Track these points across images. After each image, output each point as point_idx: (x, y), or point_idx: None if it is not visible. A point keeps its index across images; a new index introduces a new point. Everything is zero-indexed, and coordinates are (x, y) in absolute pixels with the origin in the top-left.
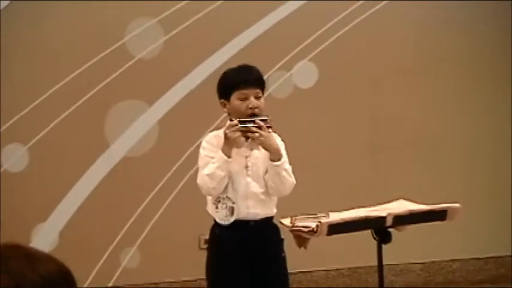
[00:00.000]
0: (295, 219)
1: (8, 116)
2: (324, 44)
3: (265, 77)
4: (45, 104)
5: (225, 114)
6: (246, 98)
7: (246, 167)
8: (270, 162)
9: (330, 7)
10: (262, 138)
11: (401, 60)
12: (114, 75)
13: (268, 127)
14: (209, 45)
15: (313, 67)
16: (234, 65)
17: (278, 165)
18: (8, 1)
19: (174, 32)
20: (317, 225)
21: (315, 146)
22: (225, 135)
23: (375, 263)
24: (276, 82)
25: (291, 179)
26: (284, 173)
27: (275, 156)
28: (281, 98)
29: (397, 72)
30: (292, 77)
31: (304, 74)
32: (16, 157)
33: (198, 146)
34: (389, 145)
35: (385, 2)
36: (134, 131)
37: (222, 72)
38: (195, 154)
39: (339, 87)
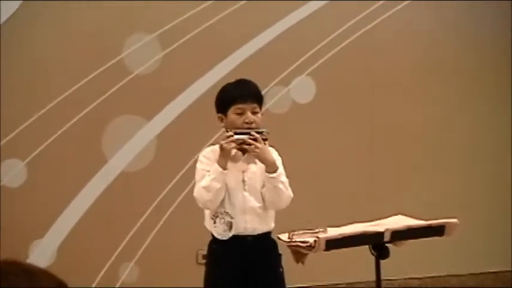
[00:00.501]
0: (293, 235)
1: (6, 131)
2: (322, 59)
3: (263, 92)
4: (43, 119)
5: (223, 129)
6: (242, 113)
7: (243, 181)
8: (266, 175)
9: (327, 23)
10: (257, 150)
11: (399, 75)
12: (112, 91)
13: (264, 139)
14: (207, 61)
15: (311, 82)
16: (231, 81)
17: (274, 178)
18: (8, 14)
19: (172, 47)
20: (315, 241)
21: (314, 161)
22: (220, 146)
23: (372, 278)
24: (274, 97)
25: (288, 192)
26: (281, 186)
27: (271, 168)
28: (279, 113)
29: (395, 86)
30: (290, 92)
31: (302, 89)
32: (14, 172)
33: (196, 161)
34: (388, 158)
35: (383, 17)
36: (132, 146)
37: (220, 87)
38: (193, 169)
39: (337, 102)
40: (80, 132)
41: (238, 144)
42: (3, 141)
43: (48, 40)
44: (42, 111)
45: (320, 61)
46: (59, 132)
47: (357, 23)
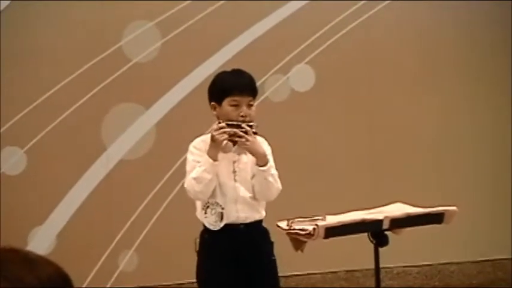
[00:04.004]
0: (292, 222)
1: (5, 119)
2: (321, 47)
3: (262, 80)
4: (42, 107)
5: (215, 118)
6: (238, 105)
7: (234, 171)
8: (257, 167)
9: (327, 10)
10: (248, 143)
11: (399, 63)
12: (111, 79)
13: (254, 133)
14: (206, 48)
15: (310, 70)
16: (231, 69)
17: (264, 170)
18: (7, 2)
19: (171, 35)
20: (314, 228)
21: (313, 149)
22: (212, 137)
23: (371, 266)
24: (273, 85)
25: (277, 185)
26: (270, 178)
27: (261, 161)
28: (278, 102)
29: (395, 74)
30: (289, 81)
31: (301, 77)
32: (13, 160)
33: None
34: (387, 147)
35: (383, 5)
36: (131, 134)
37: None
38: None
39: (336, 90)
40: (79, 120)
41: (229, 136)
42: (3, 129)
43: (48, 28)
44: (41, 98)
45: (319, 49)
46: (58, 120)
47: (357, 10)
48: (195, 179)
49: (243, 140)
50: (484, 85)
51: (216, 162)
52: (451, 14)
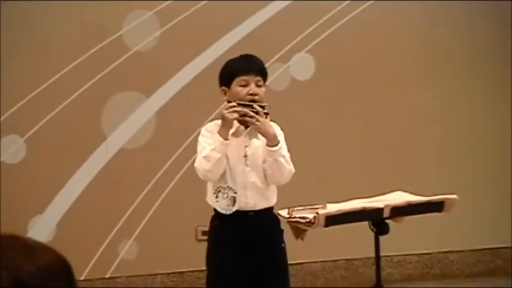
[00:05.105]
0: (293, 211)
1: (5, 108)
2: (321, 36)
3: None
4: (42, 95)
5: (225, 103)
6: (246, 85)
7: (245, 156)
8: (267, 148)
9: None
10: (258, 123)
11: (399, 52)
12: (111, 67)
13: (265, 113)
14: (206, 37)
15: (311, 59)
16: (231, 57)
17: (275, 151)
18: None
19: (171, 24)
20: (314, 217)
21: (313, 137)
22: (222, 116)
23: (372, 254)
24: (273, 74)
25: (290, 167)
26: (282, 159)
27: (272, 142)
28: (279, 90)
29: (394, 63)
30: (289, 69)
31: (302, 66)
32: (13, 149)
33: (195, 138)
34: (387, 136)
35: None
36: (131, 122)
37: (219, 64)
38: (192, 146)
39: (336, 79)
40: (79, 109)
41: (240, 116)
42: (3, 118)
43: (48, 17)
44: (42, 87)
45: (319, 38)
46: (58, 109)
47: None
48: (204, 157)
49: (254, 120)
50: (483, 79)
51: (226, 141)
52: (452, 8)
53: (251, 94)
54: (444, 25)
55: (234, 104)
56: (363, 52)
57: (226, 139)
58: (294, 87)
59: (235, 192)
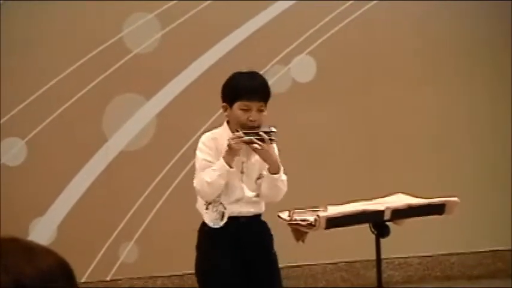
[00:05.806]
0: (294, 213)
1: (5, 110)
2: (322, 38)
3: (263, 71)
4: (43, 98)
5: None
6: (248, 110)
7: (242, 172)
8: (268, 174)
9: (328, 1)
10: (262, 151)
11: (400, 54)
12: (111, 70)
13: (271, 140)
14: (207, 40)
15: (312, 61)
16: (232, 60)
17: (276, 178)
18: None
19: (172, 26)
20: (315, 219)
21: (314, 140)
22: (229, 145)
23: (373, 257)
24: (274, 76)
25: (285, 189)
26: (280, 184)
27: (274, 169)
28: (279, 93)
29: (395, 65)
30: (290, 71)
31: (303, 68)
32: (14, 151)
33: (196, 141)
34: (388, 138)
35: None
36: (132, 125)
37: (220, 66)
38: (193, 148)
39: (338, 81)
40: (79, 111)
41: (245, 143)
42: (3, 120)
43: (49, 18)
44: (42, 89)
45: (320, 40)
46: (59, 111)
47: (359, 1)
48: (209, 183)
49: (259, 147)
50: (483, 78)
51: (232, 170)
52: (453, 8)
53: (251, 120)
54: (448, 26)
55: (240, 134)
56: (365, 54)
57: (232, 167)
58: (295, 89)
59: (225, 208)
